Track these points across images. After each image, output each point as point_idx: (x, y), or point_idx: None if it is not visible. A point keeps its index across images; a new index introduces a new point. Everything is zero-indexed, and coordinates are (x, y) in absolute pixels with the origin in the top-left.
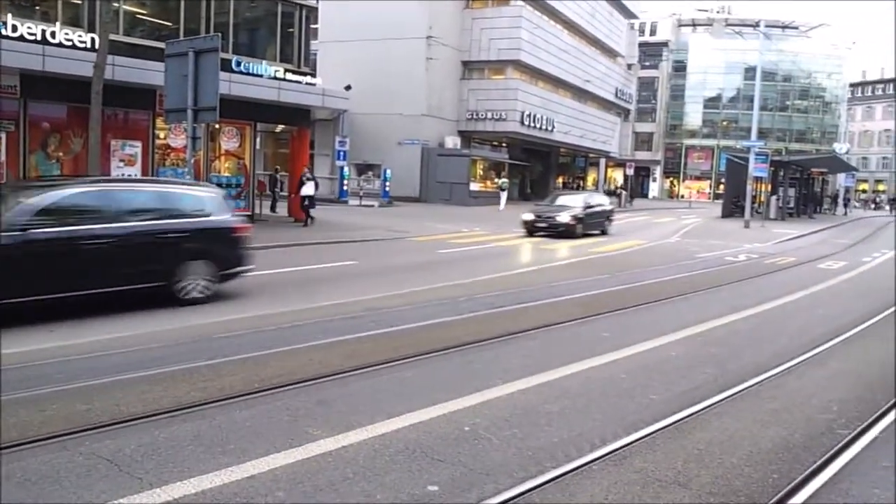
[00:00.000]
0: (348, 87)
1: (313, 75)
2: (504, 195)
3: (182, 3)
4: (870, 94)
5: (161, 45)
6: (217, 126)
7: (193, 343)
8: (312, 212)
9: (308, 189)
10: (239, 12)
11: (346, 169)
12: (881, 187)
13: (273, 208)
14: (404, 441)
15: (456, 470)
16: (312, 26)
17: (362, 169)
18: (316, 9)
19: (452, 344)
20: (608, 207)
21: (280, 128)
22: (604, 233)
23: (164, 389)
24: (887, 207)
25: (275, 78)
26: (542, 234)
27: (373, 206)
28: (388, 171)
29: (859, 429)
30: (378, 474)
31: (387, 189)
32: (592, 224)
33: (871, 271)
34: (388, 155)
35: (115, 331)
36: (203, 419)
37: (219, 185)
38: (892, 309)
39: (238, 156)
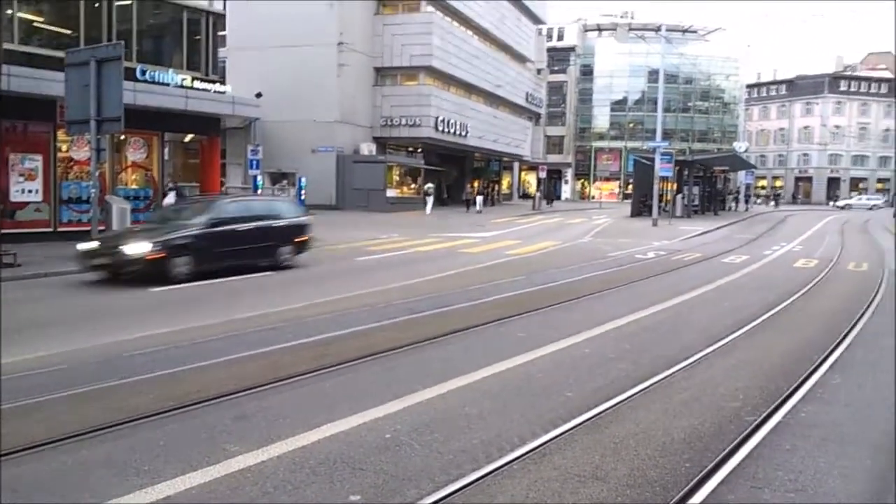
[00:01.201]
0: (259, 95)
1: (222, 83)
2: (431, 200)
3: (82, 11)
4: (765, 94)
5: (61, 53)
6: (122, 137)
7: (104, 362)
8: None
9: (169, 200)
10: (143, 19)
11: (259, 178)
12: (778, 183)
13: None
14: (325, 452)
15: (378, 478)
16: (220, 33)
17: (276, 177)
18: (223, 15)
19: (372, 351)
20: (293, 220)
21: (189, 137)
22: (281, 267)
23: (73, 411)
24: (772, 203)
25: (182, 86)
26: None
27: None
28: (303, 180)
29: (764, 415)
30: (298, 488)
31: (302, 197)
32: (231, 254)
33: (770, 264)
34: (303, 163)
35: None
36: (115, 441)
37: (126, 197)
38: (791, 299)
39: (145, 167)
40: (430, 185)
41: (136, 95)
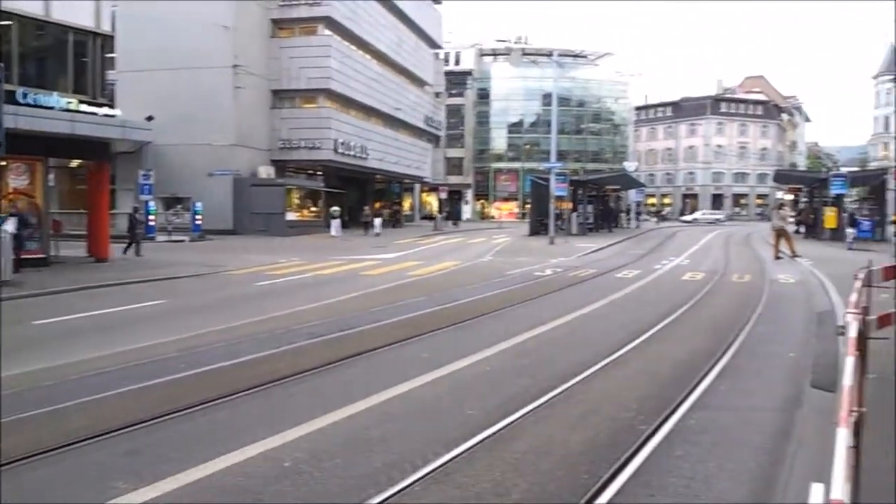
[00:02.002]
0: (150, 118)
1: (111, 106)
2: (337, 223)
3: None
4: (652, 116)
5: None
6: (3, 163)
7: None
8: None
9: (8, 228)
10: (25, 41)
11: (151, 203)
12: (667, 201)
13: (137, 251)
14: (220, 485)
15: None
16: (109, 55)
17: (170, 202)
18: (112, 37)
19: (271, 378)
20: None
21: (76, 162)
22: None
23: None
24: (654, 219)
25: (68, 110)
26: None
27: (184, 240)
28: (199, 204)
29: (656, 424)
30: None
31: (198, 222)
32: None
33: (661, 278)
34: (199, 187)
35: None
36: None
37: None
38: (680, 311)
39: (28, 194)
40: (335, 207)
41: (18, 119)
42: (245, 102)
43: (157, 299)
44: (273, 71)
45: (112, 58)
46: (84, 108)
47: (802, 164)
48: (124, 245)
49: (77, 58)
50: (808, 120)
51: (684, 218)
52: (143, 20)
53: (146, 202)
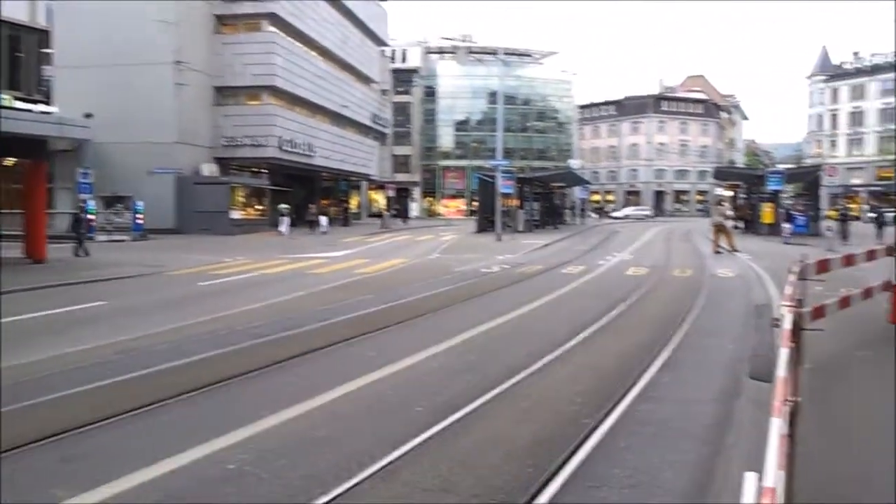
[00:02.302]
0: (89, 115)
1: (48, 103)
2: (287, 220)
3: None
4: (596, 114)
5: None
6: None
7: None
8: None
9: None
10: None
11: (91, 203)
12: (610, 198)
13: (83, 251)
14: (163, 490)
15: None
16: (45, 50)
17: (111, 201)
18: (48, 32)
19: (215, 380)
20: None
21: (11, 161)
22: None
23: None
24: (594, 216)
25: (1, 106)
26: None
27: (124, 240)
28: (141, 203)
29: (600, 417)
30: None
31: (139, 221)
32: None
33: (605, 273)
34: (141, 185)
35: None
36: None
37: None
38: (624, 305)
39: None
40: (284, 205)
41: None
42: (187, 99)
43: (96, 301)
44: (216, 67)
45: (49, 53)
46: (18, 104)
47: (741, 161)
48: (73, 246)
49: (11, 53)
50: (745, 118)
51: (614, 214)
52: (81, 15)
53: (85, 201)
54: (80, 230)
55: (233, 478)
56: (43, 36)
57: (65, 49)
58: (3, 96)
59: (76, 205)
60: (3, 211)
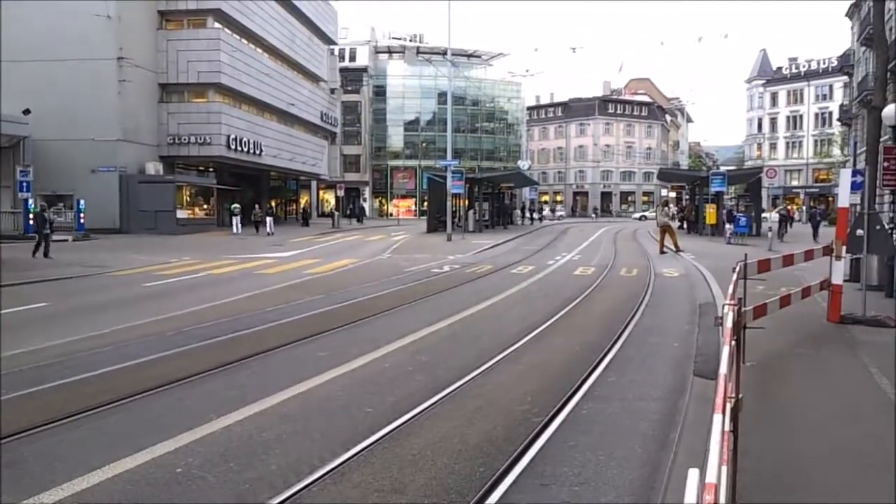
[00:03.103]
0: (27, 112)
1: None
2: (237, 220)
3: None
4: (544, 116)
5: None
6: None
7: None
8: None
9: None
10: None
11: (31, 201)
12: (559, 198)
13: (45, 253)
14: (108, 493)
15: None
16: None
17: (52, 200)
18: None
19: (160, 383)
20: None
21: None
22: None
23: None
24: (538, 215)
25: None
26: None
27: (66, 240)
28: (82, 202)
29: (549, 415)
30: None
31: (81, 221)
32: None
33: (553, 273)
34: (82, 184)
35: None
36: None
37: None
38: (572, 305)
39: None
40: (235, 205)
41: None
42: (131, 96)
43: (37, 302)
44: (160, 64)
45: None
46: None
47: (685, 162)
48: (34, 245)
49: None
50: (690, 121)
51: (535, 216)
52: (20, 8)
53: (25, 200)
54: (43, 230)
55: (181, 481)
56: None
57: (2, 43)
58: None
59: (39, 204)
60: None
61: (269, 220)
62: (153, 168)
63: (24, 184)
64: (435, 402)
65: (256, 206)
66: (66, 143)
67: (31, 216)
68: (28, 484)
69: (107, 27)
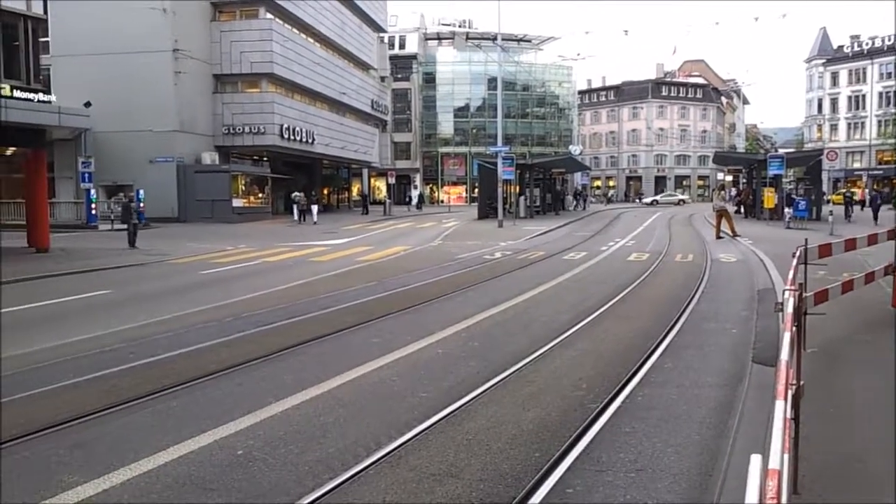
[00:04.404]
0: (88, 104)
1: (46, 92)
2: (309, 207)
3: None
4: (595, 100)
5: None
6: None
7: None
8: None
9: None
10: None
11: (93, 191)
12: (611, 183)
13: (132, 241)
14: (173, 475)
15: (230, 497)
16: (42, 39)
17: (112, 190)
18: (45, 20)
19: (220, 367)
20: None
21: (11, 150)
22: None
23: None
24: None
25: None
26: None
27: (126, 229)
28: (142, 192)
29: (605, 401)
30: None
31: (141, 210)
32: None
33: (607, 259)
34: (141, 174)
35: None
36: None
37: None
38: (626, 291)
39: None
40: (297, 193)
41: None
42: (186, 87)
43: (100, 289)
44: (214, 55)
45: (45, 42)
46: (17, 93)
47: (741, 145)
48: (128, 234)
49: (7, 41)
50: (746, 102)
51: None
52: (78, 3)
53: (87, 190)
54: (130, 219)
55: (242, 464)
56: (40, 24)
57: (62, 38)
58: (2, 85)
59: (126, 194)
60: (5, 200)
61: (314, 208)
62: (209, 158)
63: (86, 175)
64: (489, 388)
65: (300, 194)
66: (125, 135)
67: (91, 205)
68: (96, 465)
69: (163, 20)
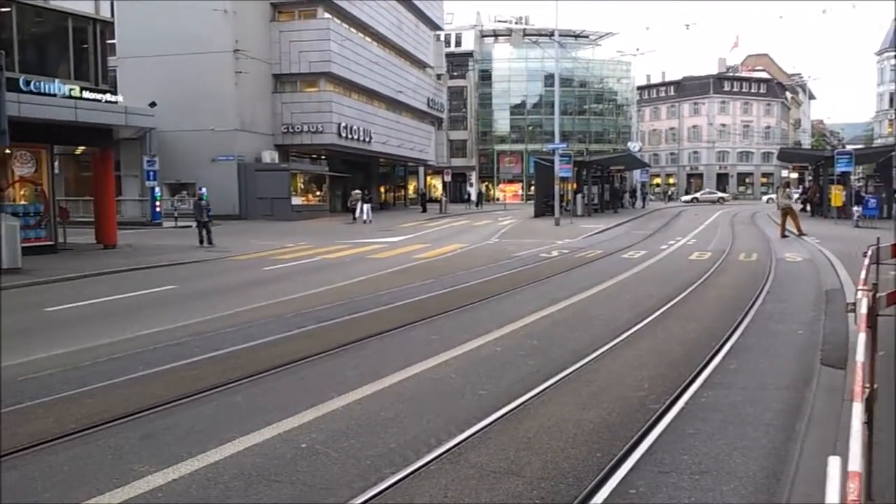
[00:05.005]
0: (153, 104)
1: (113, 92)
2: (360, 206)
3: None
4: (655, 96)
5: None
6: (8, 151)
7: None
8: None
9: None
10: (24, 28)
11: (157, 189)
12: (671, 181)
13: (208, 240)
14: (239, 466)
15: (294, 489)
16: (109, 41)
17: (176, 188)
18: (111, 23)
19: (283, 362)
20: None
21: (80, 149)
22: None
23: None
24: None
25: (70, 97)
26: None
27: (190, 226)
28: (205, 190)
29: (667, 402)
30: None
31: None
32: None
33: (667, 258)
34: (203, 172)
35: None
36: (13, 469)
37: (15, 214)
38: (688, 291)
39: (34, 182)
40: (357, 191)
41: (21, 107)
42: (247, 87)
43: (166, 285)
44: (274, 55)
45: (112, 44)
46: (86, 94)
47: (807, 142)
48: (203, 233)
49: (77, 44)
50: (812, 97)
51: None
52: (142, 6)
53: (152, 188)
54: (201, 219)
55: (306, 456)
56: (107, 27)
57: (128, 40)
58: (72, 87)
59: (196, 193)
60: (74, 198)
61: (365, 206)
62: (269, 156)
63: (151, 173)
64: (548, 387)
65: (355, 191)
66: (188, 134)
67: (155, 202)
68: (165, 455)
69: (224, 21)
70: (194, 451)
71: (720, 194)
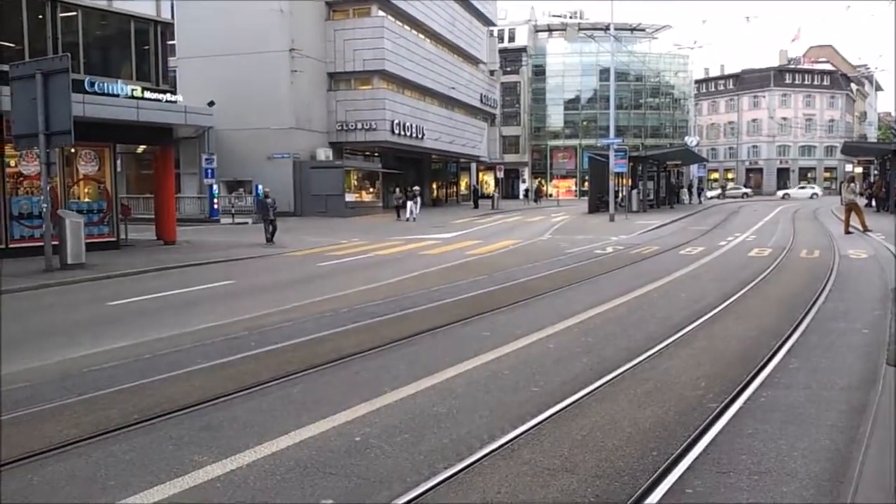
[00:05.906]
0: (211, 104)
1: (173, 92)
2: (411, 204)
3: (25, 23)
4: (713, 89)
5: (5, 67)
6: (73, 150)
7: (61, 380)
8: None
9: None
10: (89, 31)
11: (215, 187)
12: (729, 176)
13: (271, 237)
14: (295, 458)
15: (349, 482)
16: (169, 42)
17: (233, 186)
18: (171, 24)
19: (337, 356)
20: None
21: (141, 148)
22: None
23: (34, 430)
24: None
25: (132, 97)
26: None
27: (247, 223)
28: (261, 187)
29: (725, 401)
30: (270, 495)
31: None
32: None
33: (725, 254)
34: (259, 170)
35: None
36: (79, 457)
37: (79, 211)
38: (747, 288)
39: (98, 180)
40: (416, 187)
41: (86, 107)
42: (302, 86)
43: (223, 280)
44: (328, 53)
45: (172, 45)
46: (148, 94)
47: (873, 135)
48: (267, 230)
49: (139, 45)
50: (879, 89)
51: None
52: (200, 7)
53: (210, 186)
54: (267, 216)
55: (360, 450)
56: (167, 28)
57: (186, 40)
58: (134, 87)
59: (263, 191)
60: (136, 195)
61: (409, 204)
62: (323, 154)
63: (209, 171)
64: (602, 384)
65: (397, 188)
66: (245, 132)
67: (213, 199)
68: (223, 447)
69: (280, 21)
70: (252, 443)
71: (744, 189)
